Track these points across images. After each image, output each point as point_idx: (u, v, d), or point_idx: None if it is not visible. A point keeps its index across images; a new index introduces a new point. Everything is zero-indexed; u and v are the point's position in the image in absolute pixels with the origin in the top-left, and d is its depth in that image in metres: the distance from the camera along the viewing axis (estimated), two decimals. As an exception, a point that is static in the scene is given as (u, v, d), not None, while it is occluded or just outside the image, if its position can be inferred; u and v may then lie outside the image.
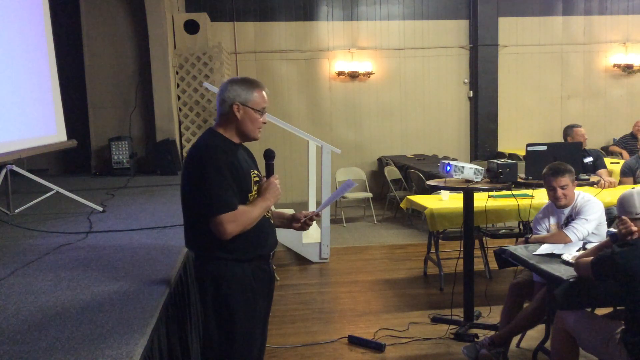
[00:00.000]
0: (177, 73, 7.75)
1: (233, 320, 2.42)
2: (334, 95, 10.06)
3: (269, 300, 2.68)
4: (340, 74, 9.94)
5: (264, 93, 2.46)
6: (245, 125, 2.43)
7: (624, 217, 2.80)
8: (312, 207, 7.16)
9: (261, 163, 2.57)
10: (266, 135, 9.73)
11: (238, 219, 2.31)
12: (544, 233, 3.87)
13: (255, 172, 2.51)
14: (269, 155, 2.54)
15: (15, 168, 4.71)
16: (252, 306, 2.47)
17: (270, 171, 2.51)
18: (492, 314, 4.41)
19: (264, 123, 2.48)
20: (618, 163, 6.93)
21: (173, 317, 2.75)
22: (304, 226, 2.67)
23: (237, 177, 2.36)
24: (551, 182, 3.75)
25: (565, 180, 3.73)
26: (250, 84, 2.45)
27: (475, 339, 3.97)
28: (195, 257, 2.51)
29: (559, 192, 3.74)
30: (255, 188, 2.46)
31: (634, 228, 2.73)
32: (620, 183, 5.47)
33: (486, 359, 3.60)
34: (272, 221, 2.61)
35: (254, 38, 9.76)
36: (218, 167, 2.30)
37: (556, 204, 3.81)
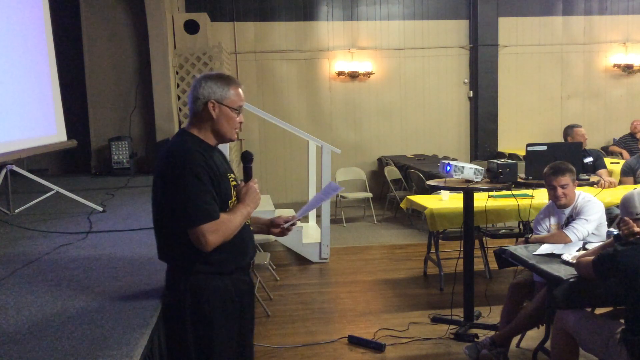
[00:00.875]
0: (177, 73, 7.74)
1: (212, 336, 2.23)
2: (334, 95, 10.06)
3: (252, 311, 2.51)
4: (340, 74, 9.94)
5: (240, 90, 2.30)
6: (221, 125, 2.25)
7: (625, 218, 2.80)
8: (312, 207, 7.14)
9: (235, 165, 2.47)
10: (266, 135, 9.75)
11: (220, 229, 2.13)
12: (544, 233, 3.87)
13: (232, 175, 2.33)
14: (247, 157, 2.37)
15: (15, 168, 4.71)
16: (232, 321, 2.30)
17: (248, 174, 2.34)
18: (492, 314, 4.41)
19: (241, 123, 2.32)
20: (618, 163, 6.93)
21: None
22: (284, 232, 2.49)
23: (216, 182, 2.18)
24: (552, 181, 3.75)
25: (566, 179, 3.72)
26: (226, 80, 2.28)
27: (476, 339, 3.97)
28: (170, 270, 2.31)
29: (559, 191, 3.74)
30: (234, 193, 2.28)
31: (636, 228, 2.74)
32: (620, 183, 5.48)
33: (487, 359, 3.60)
34: (251, 228, 2.43)
35: (254, 38, 9.76)
36: (196, 172, 2.11)
37: (556, 203, 3.81)
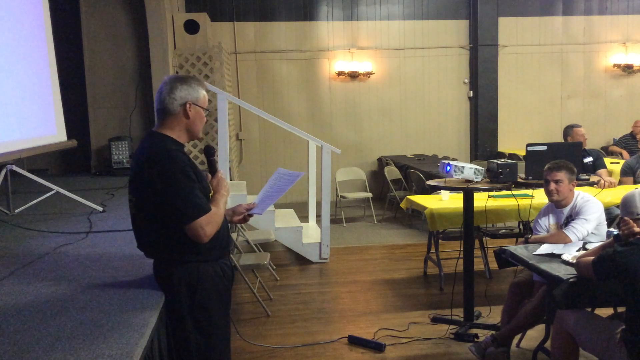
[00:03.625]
0: (177, 73, 7.74)
1: (211, 321, 2.42)
2: (334, 95, 10.06)
3: (230, 295, 2.68)
4: (340, 74, 9.94)
5: (205, 91, 2.49)
6: (195, 125, 2.42)
7: (625, 218, 2.80)
8: (311, 207, 7.15)
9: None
10: (267, 135, 9.76)
11: (213, 220, 2.30)
12: (543, 233, 3.87)
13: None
14: (210, 151, 2.53)
15: (15, 168, 4.71)
16: (225, 304, 2.51)
17: (213, 168, 2.51)
18: (492, 314, 4.41)
19: (207, 121, 2.51)
20: (618, 163, 6.93)
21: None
22: (246, 218, 2.68)
23: (199, 178, 2.35)
24: (547, 175, 3.82)
25: (561, 175, 3.77)
26: (197, 82, 2.44)
27: (476, 339, 3.97)
28: (161, 264, 2.43)
29: (552, 185, 3.79)
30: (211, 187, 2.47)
31: (636, 229, 2.74)
32: (620, 183, 5.48)
33: (493, 356, 3.59)
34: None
35: (254, 38, 9.76)
36: (184, 170, 2.26)
37: (548, 198, 3.86)
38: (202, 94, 2.43)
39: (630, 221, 2.77)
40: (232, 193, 5.31)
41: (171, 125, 2.40)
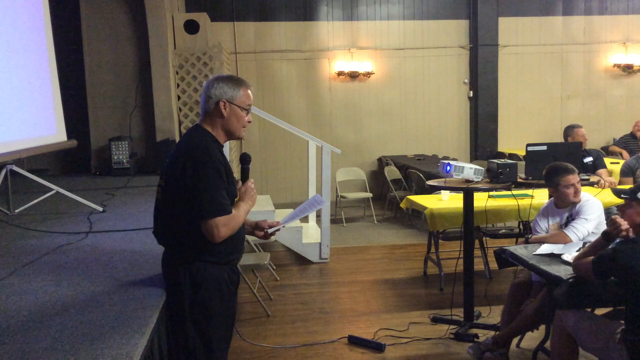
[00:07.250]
0: (177, 73, 7.75)
1: (211, 323, 2.42)
2: (334, 95, 10.06)
3: (236, 298, 2.69)
4: (340, 74, 9.93)
5: (249, 91, 2.46)
6: (230, 123, 2.42)
7: (613, 217, 2.80)
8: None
9: (234, 165, 2.57)
10: (266, 135, 9.75)
11: (230, 223, 2.30)
12: (543, 233, 3.87)
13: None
14: (245, 159, 2.54)
15: (15, 168, 4.71)
16: (227, 308, 2.50)
17: (246, 175, 2.52)
18: (492, 314, 4.41)
19: (249, 122, 2.48)
20: (618, 163, 6.93)
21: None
22: (267, 236, 2.70)
23: (229, 180, 2.36)
24: (570, 180, 3.79)
25: (577, 176, 3.82)
26: (236, 81, 2.44)
27: (476, 339, 3.97)
28: (170, 257, 2.46)
29: (579, 187, 3.82)
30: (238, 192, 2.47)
31: (624, 226, 2.72)
32: (620, 183, 5.48)
33: (489, 361, 3.59)
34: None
35: (254, 38, 9.76)
36: (217, 169, 2.29)
37: (575, 200, 3.83)
38: (241, 93, 2.41)
39: (617, 220, 2.76)
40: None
41: (210, 122, 2.43)
